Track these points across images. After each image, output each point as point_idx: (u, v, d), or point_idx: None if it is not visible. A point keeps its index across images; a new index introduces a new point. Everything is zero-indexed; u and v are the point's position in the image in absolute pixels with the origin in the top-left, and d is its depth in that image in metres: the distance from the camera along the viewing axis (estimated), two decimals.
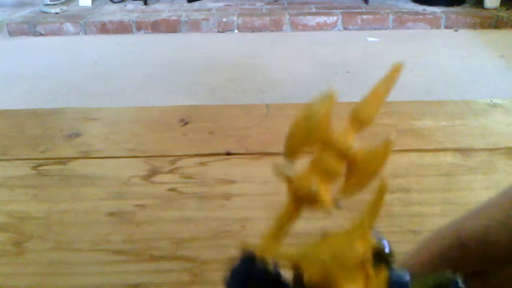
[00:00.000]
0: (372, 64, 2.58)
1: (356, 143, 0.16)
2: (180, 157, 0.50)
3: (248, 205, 0.42)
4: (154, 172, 0.47)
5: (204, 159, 0.49)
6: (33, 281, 0.35)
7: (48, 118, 0.59)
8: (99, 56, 2.78)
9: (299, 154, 0.15)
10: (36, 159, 0.50)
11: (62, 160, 0.50)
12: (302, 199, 0.16)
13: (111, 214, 0.41)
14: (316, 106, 0.15)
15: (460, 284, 0.16)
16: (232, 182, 0.45)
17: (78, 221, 0.41)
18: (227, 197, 0.43)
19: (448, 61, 2.59)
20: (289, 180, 0.15)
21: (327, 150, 0.15)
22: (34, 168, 0.49)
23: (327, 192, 0.15)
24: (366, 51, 2.82)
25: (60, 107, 0.63)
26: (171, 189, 0.45)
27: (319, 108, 0.15)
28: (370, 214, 0.16)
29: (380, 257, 0.16)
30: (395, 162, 0.48)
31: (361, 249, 0.15)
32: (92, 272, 0.35)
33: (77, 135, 0.55)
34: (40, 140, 0.54)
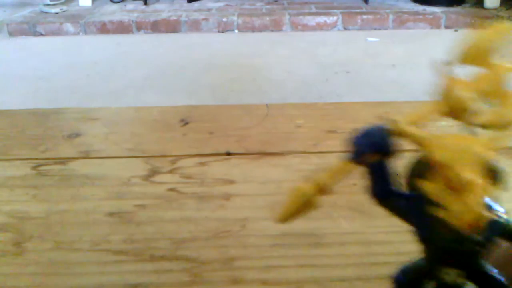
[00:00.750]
0: (372, 64, 2.58)
1: None
2: (180, 157, 0.50)
3: (248, 205, 0.42)
4: (154, 172, 0.47)
5: (204, 159, 0.49)
6: (33, 281, 0.35)
7: (48, 118, 0.59)
8: (99, 56, 2.78)
9: (469, 64, 0.16)
10: (36, 159, 0.50)
11: (62, 160, 0.50)
12: (452, 106, 0.16)
13: (111, 214, 0.41)
14: (500, 30, 0.16)
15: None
16: (232, 182, 0.45)
17: (78, 221, 0.41)
18: (227, 197, 0.43)
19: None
20: (450, 83, 0.16)
21: (494, 73, 0.16)
22: (34, 168, 0.48)
23: (471, 106, 0.16)
24: (366, 51, 2.82)
25: (60, 107, 0.63)
26: (171, 189, 0.45)
27: (496, 34, 0.16)
28: (498, 129, 0.17)
29: (495, 174, 0.16)
30: (395, 162, 0.47)
31: (483, 150, 0.16)
32: (92, 272, 0.35)
33: (77, 135, 0.55)
34: (40, 140, 0.54)
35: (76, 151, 0.51)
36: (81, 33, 3.23)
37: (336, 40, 3.04)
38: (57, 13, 3.39)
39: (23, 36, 3.20)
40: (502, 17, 3.10)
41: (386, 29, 3.21)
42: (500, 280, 0.17)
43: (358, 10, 3.33)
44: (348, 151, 0.17)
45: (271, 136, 0.53)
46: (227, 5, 3.54)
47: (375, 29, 3.21)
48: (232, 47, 2.95)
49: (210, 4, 3.54)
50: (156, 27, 3.22)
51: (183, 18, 3.22)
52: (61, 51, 2.92)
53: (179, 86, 2.35)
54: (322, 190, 0.18)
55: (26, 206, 0.43)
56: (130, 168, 0.48)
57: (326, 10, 3.37)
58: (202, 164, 0.49)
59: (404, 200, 0.18)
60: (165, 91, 2.30)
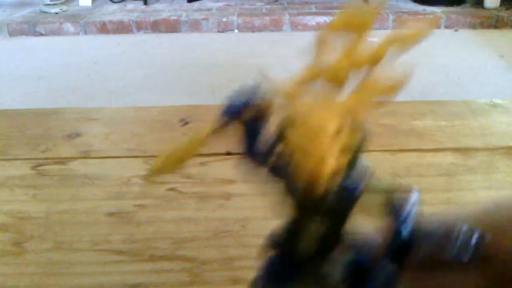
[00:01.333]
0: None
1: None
2: None
3: (248, 205, 0.42)
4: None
5: (204, 159, 0.49)
6: (33, 281, 0.35)
7: (48, 118, 0.59)
8: (99, 56, 2.78)
9: (344, 29, 0.18)
10: (36, 159, 0.50)
11: (62, 160, 0.50)
12: (324, 70, 0.17)
13: (111, 214, 0.41)
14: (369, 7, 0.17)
15: (416, 196, 0.18)
16: (232, 182, 0.45)
17: (78, 221, 0.41)
18: (227, 197, 0.43)
19: (448, 61, 2.59)
20: (323, 41, 0.17)
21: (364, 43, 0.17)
22: (34, 168, 0.48)
23: (347, 73, 0.17)
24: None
25: (60, 107, 0.63)
26: (171, 189, 0.45)
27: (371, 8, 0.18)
28: (359, 97, 0.17)
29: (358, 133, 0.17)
30: (395, 162, 0.48)
31: (333, 126, 0.16)
32: (92, 272, 0.35)
33: (77, 135, 0.55)
34: (40, 140, 0.54)
35: (76, 151, 0.51)
36: (81, 33, 3.23)
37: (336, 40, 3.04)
38: (57, 13, 3.39)
39: (23, 36, 3.20)
40: (502, 17, 3.10)
41: (386, 29, 3.21)
42: (361, 248, 0.18)
43: None
44: (222, 108, 0.18)
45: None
46: (227, 5, 3.54)
47: (375, 29, 3.21)
48: (232, 47, 2.95)
49: (210, 4, 3.54)
50: (156, 27, 3.22)
51: (183, 18, 3.22)
52: (61, 51, 2.92)
53: (179, 86, 2.35)
54: (195, 147, 0.19)
55: (26, 206, 0.43)
56: (130, 168, 0.48)
57: (326, 10, 3.37)
58: (202, 164, 0.49)
59: (273, 157, 0.18)
60: (165, 91, 2.30)
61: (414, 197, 0.18)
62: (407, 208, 0.18)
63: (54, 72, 2.55)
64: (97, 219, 0.41)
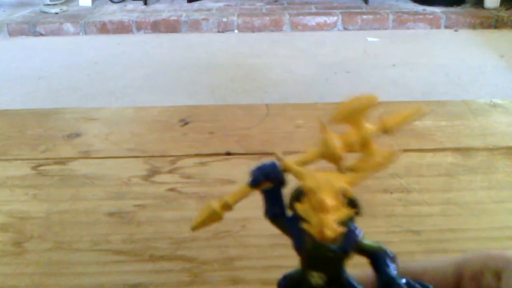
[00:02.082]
0: (372, 64, 2.58)
1: (375, 140, 0.22)
2: (180, 157, 0.50)
3: (248, 205, 0.42)
4: (154, 172, 0.47)
5: (204, 159, 0.49)
6: (33, 281, 0.35)
7: (48, 118, 0.59)
8: (99, 56, 2.78)
9: (342, 122, 0.22)
10: (36, 159, 0.50)
11: (62, 160, 0.50)
12: (327, 152, 0.22)
13: (111, 214, 0.41)
14: (364, 99, 0.23)
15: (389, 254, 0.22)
16: (232, 182, 0.45)
17: (78, 221, 0.41)
18: None
19: (448, 61, 2.59)
20: (324, 131, 0.22)
21: (357, 131, 0.22)
22: (34, 168, 0.49)
23: (342, 155, 0.22)
24: (366, 51, 2.82)
25: (60, 107, 0.63)
26: (171, 189, 0.45)
27: (366, 101, 0.23)
28: (360, 171, 0.22)
29: (353, 203, 0.22)
30: (395, 162, 0.48)
31: (343, 184, 0.22)
32: (92, 272, 0.35)
33: (77, 135, 0.55)
34: (40, 140, 0.54)
35: (76, 151, 0.51)
36: (81, 33, 3.23)
37: (336, 40, 3.04)
38: (57, 13, 3.39)
39: (23, 36, 3.20)
40: (502, 17, 3.10)
41: (386, 29, 3.21)
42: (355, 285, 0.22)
43: (358, 10, 3.33)
44: (248, 179, 0.24)
45: (271, 136, 0.53)
46: (227, 5, 3.54)
47: (375, 29, 3.21)
48: (232, 47, 2.95)
49: (210, 4, 3.55)
50: (156, 27, 3.22)
51: (183, 18, 3.22)
52: (61, 51, 2.92)
53: (179, 86, 2.35)
54: (226, 207, 0.25)
55: (26, 206, 0.43)
56: (130, 168, 0.48)
57: (326, 10, 3.37)
58: (202, 164, 0.49)
59: (286, 219, 0.23)
60: (165, 91, 2.30)
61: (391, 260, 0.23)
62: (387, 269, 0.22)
63: (54, 72, 2.56)
64: (97, 219, 0.41)
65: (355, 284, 0.23)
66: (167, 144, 0.52)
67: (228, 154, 0.50)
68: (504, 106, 0.59)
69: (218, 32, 3.21)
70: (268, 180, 0.24)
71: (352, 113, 0.23)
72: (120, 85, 2.37)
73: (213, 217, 0.25)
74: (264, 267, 0.35)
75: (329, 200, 0.21)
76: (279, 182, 0.24)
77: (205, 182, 0.45)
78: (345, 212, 0.21)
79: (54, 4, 3.48)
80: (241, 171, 0.47)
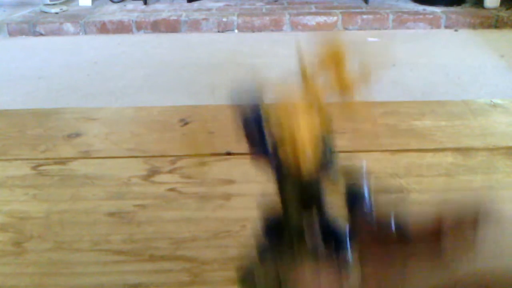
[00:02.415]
0: (372, 64, 2.57)
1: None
2: (180, 157, 0.50)
3: (248, 205, 0.42)
4: (154, 172, 0.47)
5: (204, 159, 0.49)
6: (33, 281, 0.35)
7: (48, 118, 0.59)
8: (99, 56, 2.78)
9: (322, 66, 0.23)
10: (36, 159, 0.50)
11: (62, 160, 0.50)
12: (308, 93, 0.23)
13: (111, 214, 0.41)
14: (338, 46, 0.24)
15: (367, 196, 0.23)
16: (232, 182, 0.45)
17: (78, 221, 0.41)
18: (227, 197, 0.43)
19: (448, 61, 2.59)
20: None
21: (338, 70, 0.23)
22: (34, 168, 0.48)
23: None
24: (366, 51, 2.82)
25: (60, 107, 0.63)
26: (171, 189, 0.45)
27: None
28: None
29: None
30: (395, 162, 0.48)
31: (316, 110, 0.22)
32: (92, 272, 0.35)
33: (77, 135, 0.55)
34: (40, 140, 0.54)
35: (76, 151, 0.51)
36: (81, 33, 3.23)
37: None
38: (57, 13, 3.39)
39: (23, 36, 3.20)
40: (502, 17, 3.10)
41: (386, 29, 3.21)
42: (330, 216, 0.23)
43: (358, 10, 3.33)
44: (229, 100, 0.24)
45: None
46: (227, 5, 3.54)
47: (375, 29, 3.21)
48: (232, 47, 2.95)
49: (210, 4, 3.54)
50: (156, 27, 3.22)
51: (183, 18, 3.22)
52: (61, 51, 2.92)
53: (179, 86, 2.35)
54: None
55: (26, 206, 0.43)
56: (130, 168, 0.48)
57: (326, 10, 3.37)
58: (202, 164, 0.49)
59: (266, 150, 0.24)
60: (165, 91, 2.30)
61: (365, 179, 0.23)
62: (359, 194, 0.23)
63: (54, 72, 2.56)
64: (97, 219, 0.41)
65: (333, 221, 0.23)
66: (167, 144, 0.52)
67: (228, 154, 0.50)
68: (504, 106, 0.59)
69: (218, 32, 3.21)
70: (247, 100, 0.25)
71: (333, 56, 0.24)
72: (120, 85, 2.37)
73: None
74: None
75: (304, 131, 0.21)
76: (259, 116, 0.24)
77: (205, 182, 0.45)
78: (317, 141, 0.22)
79: (54, 4, 3.48)
80: (241, 171, 0.47)
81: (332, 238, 0.23)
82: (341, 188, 0.23)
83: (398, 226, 0.22)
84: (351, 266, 0.22)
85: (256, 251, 0.26)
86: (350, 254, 0.22)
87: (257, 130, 0.24)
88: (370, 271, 0.21)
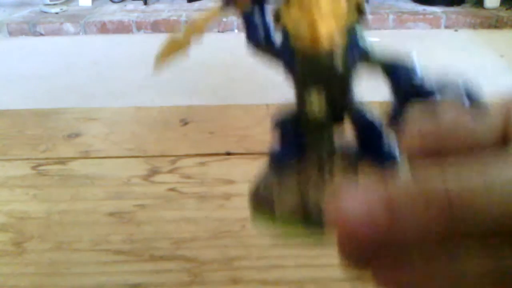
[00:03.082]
0: None
1: None
2: (180, 157, 0.50)
3: (248, 205, 0.42)
4: (154, 172, 0.47)
5: (204, 159, 0.49)
6: (33, 281, 0.35)
7: (48, 118, 0.59)
8: (99, 56, 2.78)
9: None
10: (36, 159, 0.50)
11: (62, 160, 0.50)
12: None
13: (111, 214, 0.41)
14: None
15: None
16: (232, 182, 0.45)
17: (78, 221, 0.41)
18: (227, 197, 0.43)
19: (448, 61, 2.59)
20: None
21: None
22: (34, 168, 0.49)
23: None
24: None
25: (60, 107, 0.63)
26: (171, 189, 0.45)
27: None
28: None
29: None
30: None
31: None
32: (92, 272, 0.35)
33: (77, 135, 0.55)
34: (40, 140, 0.54)
35: (76, 151, 0.51)
36: (81, 33, 3.23)
37: None
38: (57, 13, 3.39)
39: (23, 36, 3.20)
40: (502, 17, 3.10)
41: (386, 29, 3.21)
42: (366, 111, 0.17)
43: None
44: None
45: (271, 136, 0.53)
46: None
47: (375, 29, 3.21)
48: (232, 47, 2.95)
49: (210, 4, 3.54)
50: (156, 27, 3.22)
51: (183, 18, 3.22)
52: (61, 51, 2.92)
53: (179, 86, 2.35)
54: (195, 33, 0.19)
55: (26, 206, 0.43)
56: (130, 168, 0.48)
57: None
58: (202, 164, 0.49)
59: (273, 42, 0.18)
60: (165, 91, 2.30)
61: (413, 58, 0.17)
62: (408, 65, 0.17)
63: (54, 72, 2.55)
64: (97, 219, 0.41)
65: (367, 111, 0.17)
66: (167, 144, 0.52)
67: (228, 154, 0.50)
68: None
69: (218, 32, 3.21)
70: None
71: None
72: (120, 85, 2.37)
73: (178, 47, 0.20)
74: (264, 267, 0.35)
75: None
76: None
77: (205, 182, 0.45)
78: (345, 13, 0.16)
79: (54, 4, 3.48)
80: (241, 171, 0.47)
81: (371, 134, 0.17)
82: (379, 62, 0.17)
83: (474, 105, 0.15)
84: (400, 170, 0.15)
85: (270, 165, 0.20)
86: (397, 155, 0.17)
87: (260, 16, 0.18)
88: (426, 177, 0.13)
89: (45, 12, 3.41)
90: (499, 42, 2.89)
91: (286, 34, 0.17)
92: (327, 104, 0.17)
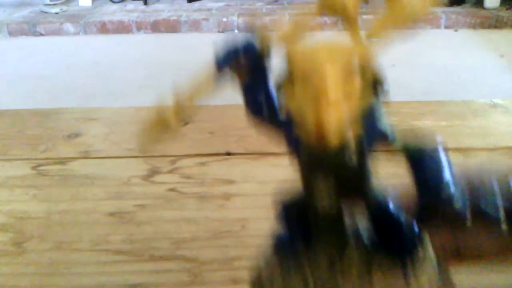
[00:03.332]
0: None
1: None
2: (180, 157, 0.50)
3: (248, 205, 0.42)
4: (154, 172, 0.47)
5: (204, 159, 0.49)
6: (33, 281, 0.35)
7: (48, 118, 0.59)
8: (99, 56, 2.78)
9: None
10: (36, 159, 0.50)
11: (62, 160, 0.50)
12: (329, 5, 0.14)
13: (111, 214, 0.41)
14: None
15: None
16: (232, 182, 0.45)
17: (78, 221, 0.41)
18: (227, 197, 0.43)
19: (448, 61, 2.59)
20: None
21: None
22: (34, 168, 0.48)
23: (355, 6, 0.14)
24: None
25: (60, 107, 0.63)
26: (171, 189, 0.45)
27: None
28: (379, 26, 0.15)
29: (375, 84, 0.14)
30: (395, 162, 0.47)
31: (352, 55, 0.13)
32: (92, 272, 0.35)
33: (77, 135, 0.55)
34: (40, 140, 0.54)
35: (76, 151, 0.51)
36: (81, 33, 3.23)
37: (336, 40, 3.03)
38: (57, 13, 3.39)
39: (23, 36, 3.20)
40: (502, 17, 3.10)
41: None
42: (386, 201, 0.15)
43: None
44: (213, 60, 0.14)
45: None
46: (227, 5, 3.54)
47: None
48: None
49: (210, 4, 3.54)
50: (156, 27, 3.22)
51: (183, 18, 3.22)
52: (61, 51, 2.92)
53: (179, 86, 2.34)
54: (183, 107, 0.15)
55: (26, 206, 0.43)
56: (130, 168, 0.48)
57: None
58: (202, 164, 0.49)
59: (277, 116, 0.15)
60: (165, 91, 2.29)
61: (440, 146, 0.14)
62: (436, 160, 0.14)
63: (54, 72, 2.55)
64: (97, 219, 0.41)
65: (385, 200, 0.15)
66: (167, 144, 0.52)
67: (228, 154, 0.50)
68: (504, 106, 0.59)
69: (218, 32, 3.21)
70: (241, 60, 0.16)
71: None
72: (120, 85, 2.37)
73: (164, 125, 0.16)
74: None
75: (332, 68, 0.13)
76: (258, 62, 0.15)
77: (205, 182, 0.45)
78: (359, 93, 0.13)
79: (54, 4, 3.48)
80: (241, 171, 0.46)
81: (389, 225, 0.15)
82: (401, 154, 0.14)
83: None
84: (425, 266, 0.14)
85: (273, 252, 0.18)
86: (421, 249, 0.15)
87: (262, 86, 0.16)
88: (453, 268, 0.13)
89: (45, 12, 3.41)
90: (499, 42, 2.88)
91: (290, 115, 0.14)
92: (337, 194, 0.15)
